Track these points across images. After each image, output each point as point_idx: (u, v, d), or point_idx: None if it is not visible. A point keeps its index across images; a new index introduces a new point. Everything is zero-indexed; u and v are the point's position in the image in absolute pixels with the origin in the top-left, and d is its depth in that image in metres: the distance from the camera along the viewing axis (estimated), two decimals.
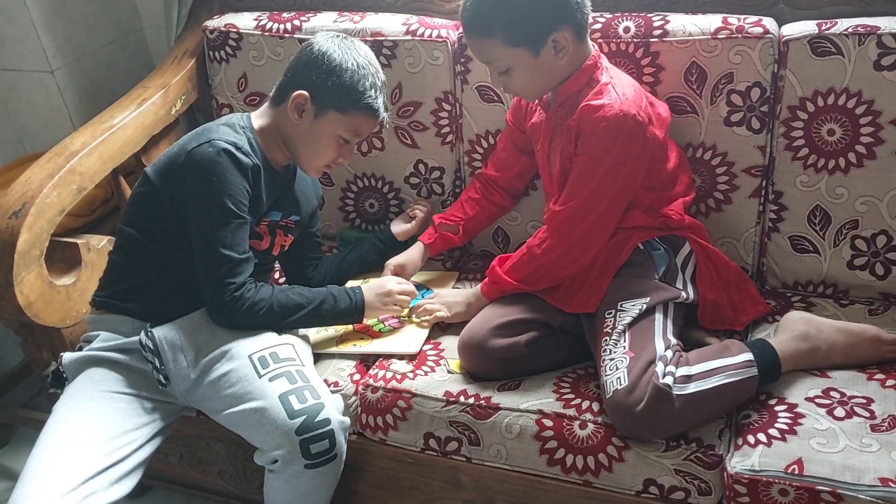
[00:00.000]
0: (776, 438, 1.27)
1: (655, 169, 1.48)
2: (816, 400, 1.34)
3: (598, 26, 1.63)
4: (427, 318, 1.60)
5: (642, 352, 1.33)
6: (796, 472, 1.22)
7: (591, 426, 1.34)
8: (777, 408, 1.34)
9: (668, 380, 1.28)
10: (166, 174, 1.43)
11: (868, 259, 1.57)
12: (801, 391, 1.36)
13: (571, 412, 1.36)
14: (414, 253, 1.75)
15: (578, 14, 1.41)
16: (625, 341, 1.36)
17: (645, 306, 1.40)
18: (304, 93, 1.45)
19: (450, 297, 1.62)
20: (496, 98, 1.74)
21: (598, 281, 1.47)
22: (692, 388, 1.29)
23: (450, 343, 1.56)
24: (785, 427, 1.29)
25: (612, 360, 1.34)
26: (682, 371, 1.30)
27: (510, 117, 1.70)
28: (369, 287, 1.57)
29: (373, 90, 1.46)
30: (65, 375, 1.44)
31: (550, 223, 1.47)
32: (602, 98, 1.40)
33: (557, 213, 1.46)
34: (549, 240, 1.47)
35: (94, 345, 1.45)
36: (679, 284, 1.47)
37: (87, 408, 1.35)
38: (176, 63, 1.94)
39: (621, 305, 1.41)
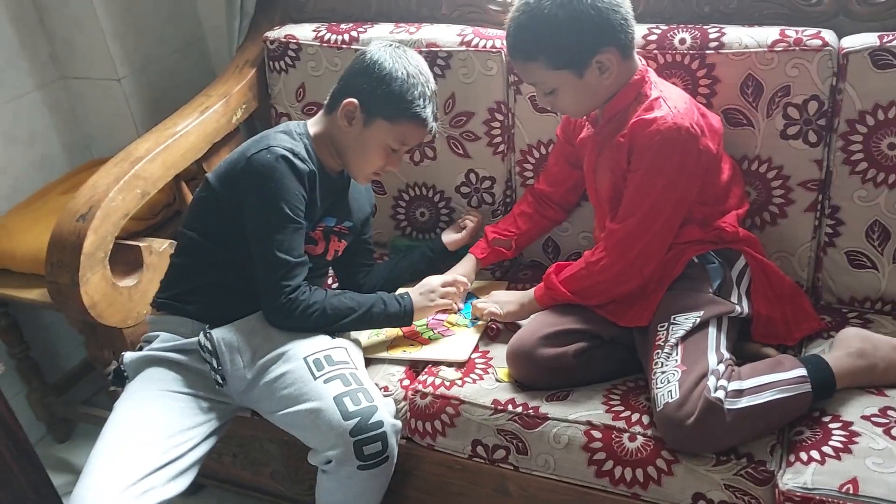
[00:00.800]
0: (830, 457, 1.25)
1: (709, 182, 1.47)
2: (873, 419, 1.31)
3: (653, 38, 1.62)
4: (480, 316, 1.61)
5: (695, 366, 1.32)
6: (850, 491, 1.19)
7: (640, 439, 1.34)
8: (831, 425, 1.31)
9: (720, 394, 1.27)
10: (226, 179, 1.47)
11: None
12: (857, 409, 1.34)
13: (621, 424, 1.36)
14: (465, 266, 1.76)
15: (622, 35, 1.40)
16: (677, 355, 1.35)
17: (699, 320, 1.38)
18: (354, 100, 1.48)
19: (503, 296, 1.63)
20: (549, 109, 1.75)
21: (652, 295, 1.47)
22: (744, 402, 1.28)
23: (498, 352, 1.57)
24: (839, 445, 1.27)
25: (663, 373, 1.33)
26: (734, 385, 1.29)
27: (560, 132, 1.70)
28: (414, 290, 1.59)
29: (422, 100, 1.48)
30: (125, 374, 1.49)
31: (608, 241, 1.46)
32: (654, 112, 1.40)
33: (615, 231, 1.45)
34: (606, 258, 1.46)
35: (154, 345, 1.49)
36: (734, 298, 1.45)
37: (146, 406, 1.40)
38: (237, 72, 1.99)
39: (674, 319, 1.40)
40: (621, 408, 1.40)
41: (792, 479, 1.24)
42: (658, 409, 1.31)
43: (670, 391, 1.30)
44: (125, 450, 1.32)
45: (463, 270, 1.74)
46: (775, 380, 1.31)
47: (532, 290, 1.58)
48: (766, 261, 1.52)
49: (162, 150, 1.75)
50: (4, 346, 2.02)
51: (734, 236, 1.49)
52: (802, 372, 1.32)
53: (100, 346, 1.75)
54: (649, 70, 1.48)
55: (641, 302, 1.47)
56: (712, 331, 1.39)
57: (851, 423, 1.31)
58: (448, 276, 1.65)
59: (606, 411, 1.39)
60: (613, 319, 1.49)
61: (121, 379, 1.51)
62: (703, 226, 1.48)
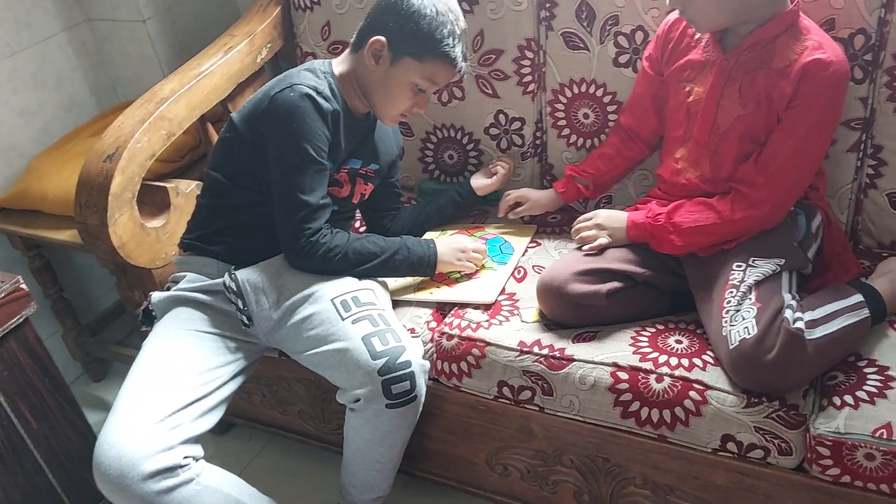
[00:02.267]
0: (864, 401, 1.23)
1: None
2: None
3: None
4: (588, 245, 1.52)
5: (770, 302, 1.29)
6: (884, 436, 1.17)
7: (667, 380, 1.32)
8: (867, 370, 1.29)
9: (800, 324, 1.25)
10: (250, 119, 1.45)
11: None
12: (894, 354, 1.30)
13: (648, 366, 1.34)
14: (545, 194, 1.74)
15: None
16: (752, 295, 1.31)
17: (779, 268, 1.35)
18: (381, 38, 1.44)
19: (606, 220, 1.54)
20: (582, 45, 1.69)
21: None
22: (819, 332, 1.26)
23: (525, 293, 1.56)
24: (874, 390, 1.24)
25: (737, 311, 1.30)
26: (807, 316, 1.28)
27: (648, 61, 1.59)
28: (444, 241, 1.58)
29: (451, 38, 1.44)
30: (154, 314, 1.51)
31: (760, 175, 1.38)
32: (826, 53, 1.33)
33: (767, 165, 1.38)
34: (753, 196, 1.39)
35: (181, 285, 1.50)
36: (811, 255, 1.43)
37: (174, 345, 1.41)
38: (261, 11, 1.96)
39: (753, 262, 1.36)
40: (649, 349, 1.37)
41: (824, 423, 1.22)
42: (732, 346, 1.27)
43: (747, 327, 1.26)
44: (153, 387, 1.33)
45: (537, 196, 1.73)
46: (840, 307, 1.30)
47: (626, 219, 1.51)
48: (833, 219, 1.51)
49: (186, 90, 1.73)
50: (39, 287, 2.05)
51: (822, 194, 1.49)
52: (859, 297, 1.32)
53: (130, 286, 1.76)
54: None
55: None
56: (786, 276, 1.36)
57: (887, 368, 1.28)
58: (478, 243, 1.63)
59: (634, 353, 1.37)
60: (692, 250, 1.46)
61: (149, 319, 1.52)
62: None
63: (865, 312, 1.30)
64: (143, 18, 2.03)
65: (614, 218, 1.54)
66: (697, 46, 1.48)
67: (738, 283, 1.34)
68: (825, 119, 1.37)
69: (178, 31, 2.11)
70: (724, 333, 1.30)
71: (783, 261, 1.36)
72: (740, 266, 1.36)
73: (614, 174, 1.72)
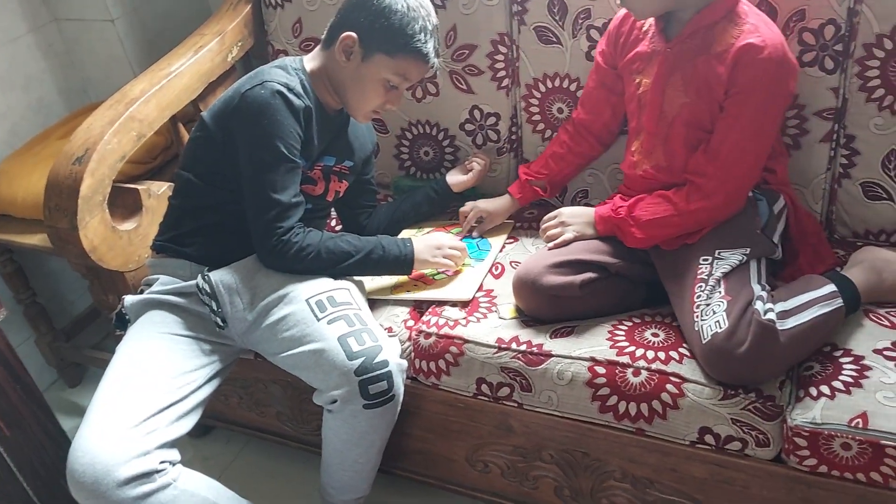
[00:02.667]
0: (840, 391, 1.23)
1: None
2: (885, 352, 1.28)
3: None
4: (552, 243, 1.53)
5: (739, 294, 1.29)
6: (860, 425, 1.17)
7: (644, 373, 1.32)
8: (842, 360, 1.29)
9: (771, 315, 1.25)
10: (221, 117, 1.44)
11: None
12: (869, 343, 1.31)
13: (625, 359, 1.34)
14: (502, 203, 1.74)
15: None
16: (721, 288, 1.32)
17: (745, 257, 1.35)
18: (352, 34, 1.43)
19: (570, 215, 1.55)
20: (555, 39, 1.69)
21: None
22: (791, 322, 1.26)
23: (502, 290, 1.55)
24: (850, 380, 1.24)
25: (707, 305, 1.30)
26: (778, 307, 1.28)
27: (601, 56, 1.59)
28: (421, 239, 1.57)
29: (422, 34, 1.43)
30: (127, 317, 1.49)
31: (698, 179, 1.40)
32: (758, 38, 1.32)
33: (713, 169, 1.38)
34: (696, 196, 1.40)
35: (154, 288, 1.48)
36: (776, 239, 1.43)
37: (147, 348, 1.39)
38: (231, 9, 1.94)
39: (720, 253, 1.37)
40: (626, 343, 1.37)
41: (801, 414, 1.22)
42: (705, 341, 1.27)
43: (718, 321, 1.26)
44: (127, 391, 1.31)
45: (494, 206, 1.73)
46: (812, 297, 1.30)
47: (594, 214, 1.52)
48: (799, 203, 1.50)
49: (156, 91, 1.71)
50: (11, 293, 2.02)
51: (782, 178, 1.48)
52: (832, 287, 1.32)
53: (104, 290, 1.74)
54: None
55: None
56: (753, 265, 1.36)
57: (863, 357, 1.28)
58: (457, 241, 1.62)
59: (611, 347, 1.37)
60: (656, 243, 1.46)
61: (123, 322, 1.50)
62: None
63: (839, 302, 1.30)
64: (111, 18, 2.00)
65: (578, 213, 1.55)
66: (645, 38, 1.49)
67: (706, 277, 1.34)
68: (767, 104, 1.36)
69: (147, 31, 2.08)
70: (696, 328, 1.30)
71: (748, 249, 1.36)
72: (707, 259, 1.37)
73: (567, 172, 1.72)
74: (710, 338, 1.26)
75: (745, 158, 1.38)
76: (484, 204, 1.74)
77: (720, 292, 1.31)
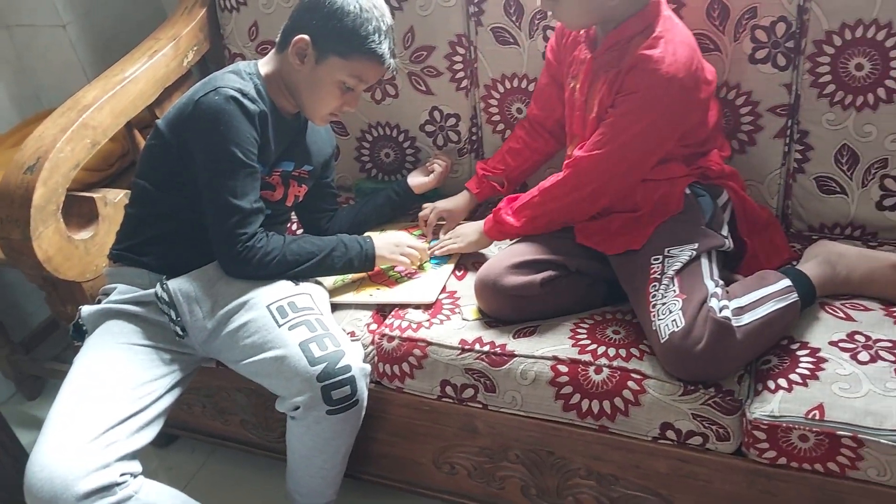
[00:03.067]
0: (797, 384, 1.25)
1: (695, 130, 1.45)
2: (840, 344, 1.30)
3: None
4: (441, 251, 1.61)
5: (693, 293, 1.30)
6: (817, 417, 1.19)
7: (606, 371, 1.33)
8: (799, 353, 1.31)
9: (727, 313, 1.26)
10: (176, 125, 1.42)
11: None
12: (825, 335, 1.33)
13: (587, 357, 1.34)
14: (461, 200, 1.74)
15: None
16: (675, 286, 1.33)
17: (694, 253, 1.36)
18: (305, 37, 1.42)
19: (463, 228, 1.63)
20: (512, 40, 1.69)
21: (648, 224, 1.43)
22: (746, 318, 1.28)
23: (465, 291, 1.55)
24: (806, 372, 1.26)
25: (663, 304, 1.31)
26: (734, 304, 1.29)
27: (550, 52, 1.61)
28: (381, 236, 1.56)
29: (376, 35, 1.42)
30: (84, 328, 1.46)
31: (572, 168, 1.43)
32: (656, 50, 1.33)
33: (580, 160, 1.41)
34: (565, 185, 1.44)
35: (112, 297, 1.46)
36: (724, 232, 1.44)
37: (106, 359, 1.37)
38: (186, 13, 1.91)
39: (669, 251, 1.38)
40: (588, 341, 1.38)
41: (759, 407, 1.24)
42: (663, 341, 1.28)
43: (674, 320, 1.28)
44: (85, 403, 1.29)
45: (454, 204, 1.73)
46: (767, 293, 1.32)
47: (482, 223, 1.57)
48: (746, 196, 1.51)
49: (110, 97, 1.68)
50: None
51: (720, 173, 1.48)
52: (787, 282, 1.33)
53: (61, 301, 1.71)
54: (665, 4, 1.40)
55: (635, 230, 1.44)
56: (705, 261, 1.37)
57: (819, 350, 1.30)
58: (417, 241, 1.62)
59: (573, 345, 1.38)
60: (602, 250, 1.46)
61: (80, 333, 1.47)
62: (687, 163, 1.47)
63: (794, 297, 1.32)
64: (62, 23, 1.96)
65: (467, 225, 1.63)
66: (582, 44, 1.52)
67: (659, 276, 1.35)
68: (650, 116, 1.35)
69: (100, 35, 2.05)
70: (654, 328, 1.31)
71: (696, 244, 1.37)
72: (657, 258, 1.38)
73: (524, 168, 1.73)
74: (667, 337, 1.27)
75: (620, 160, 1.39)
76: (443, 204, 1.74)
77: (674, 290, 1.32)
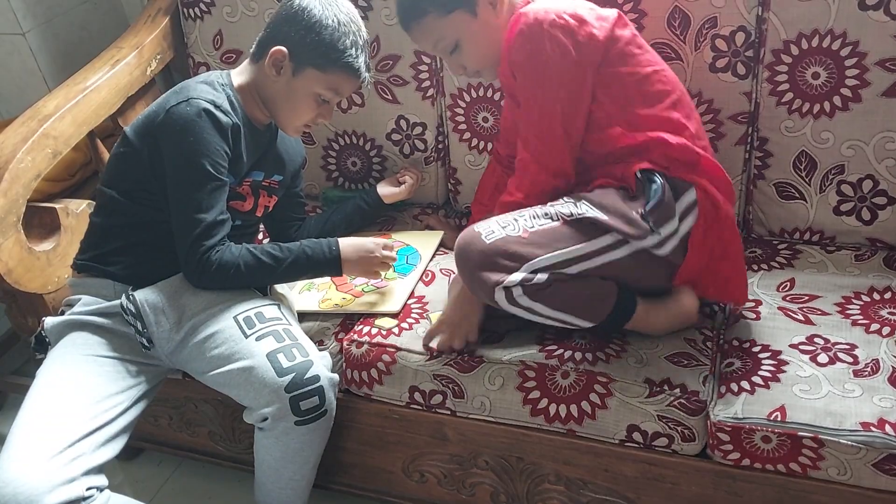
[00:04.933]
0: (759, 386, 1.27)
1: (622, 74, 1.35)
2: (800, 347, 1.34)
3: None
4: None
5: (531, 247, 1.27)
6: (779, 418, 1.22)
7: (572, 375, 1.34)
8: (761, 355, 1.34)
9: (500, 295, 1.27)
10: (145, 133, 1.40)
11: (854, 204, 1.56)
12: (786, 338, 1.36)
13: (553, 362, 1.36)
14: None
15: None
16: (542, 223, 1.30)
17: (601, 220, 1.28)
18: (283, 49, 1.41)
19: (445, 317, 1.44)
20: (464, 74, 1.68)
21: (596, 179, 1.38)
22: (523, 311, 1.29)
23: (434, 296, 1.56)
24: (768, 374, 1.29)
25: (515, 220, 1.30)
26: (528, 304, 1.28)
27: (503, 86, 1.58)
28: (349, 242, 1.50)
29: (353, 49, 1.43)
30: (48, 340, 1.43)
31: (518, 166, 1.39)
32: (521, 21, 1.33)
33: (524, 159, 1.38)
34: (522, 182, 1.38)
35: (76, 309, 1.44)
36: (666, 230, 1.30)
37: (70, 372, 1.35)
38: (150, 22, 1.90)
39: (581, 198, 1.33)
40: (554, 346, 1.39)
41: (723, 409, 1.26)
42: (481, 234, 1.28)
43: (493, 231, 1.28)
44: (50, 417, 1.27)
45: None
46: (570, 321, 1.31)
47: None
48: (725, 207, 1.33)
49: (72, 106, 1.66)
50: None
51: (683, 154, 1.32)
52: (590, 325, 1.33)
53: (22, 313, 1.68)
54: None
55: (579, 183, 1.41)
56: (611, 253, 1.30)
57: (780, 353, 1.33)
58: (390, 252, 1.54)
59: (539, 350, 1.39)
60: None
61: (43, 345, 1.45)
62: (631, 127, 1.35)
63: (587, 324, 1.32)
64: (22, 31, 1.93)
65: (446, 310, 1.47)
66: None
67: (548, 208, 1.32)
68: (537, 73, 1.32)
69: (61, 44, 2.02)
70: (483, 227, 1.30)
71: (607, 218, 1.29)
72: (570, 198, 1.34)
73: None
74: (480, 234, 1.29)
75: (548, 131, 1.34)
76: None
77: (537, 224, 1.29)
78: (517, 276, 1.26)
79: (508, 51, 1.37)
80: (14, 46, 1.96)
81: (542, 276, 1.27)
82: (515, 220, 1.31)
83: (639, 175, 1.32)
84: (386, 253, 1.52)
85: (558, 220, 1.31)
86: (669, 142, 1.32)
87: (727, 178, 1.36)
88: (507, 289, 1.27)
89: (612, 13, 1.38)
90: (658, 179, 1.31)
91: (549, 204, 1.34)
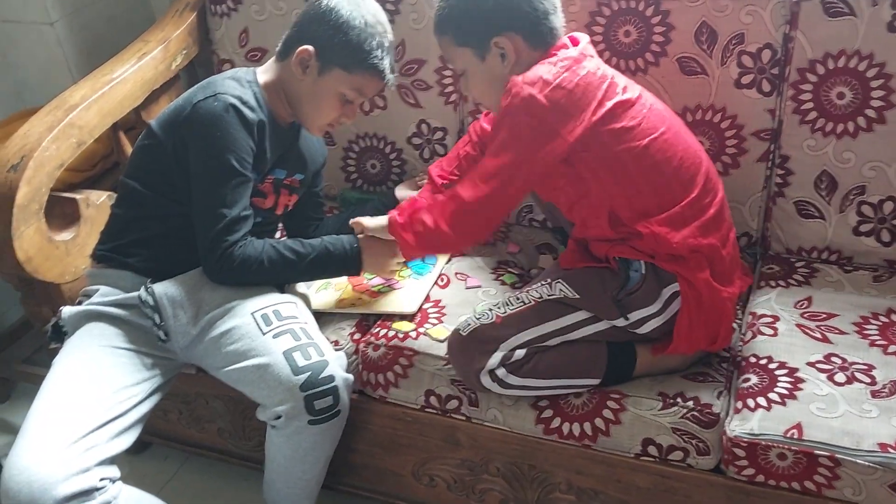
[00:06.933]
0: (776, 403, 1.27)
1: (616, 154, 1.28)
2: (818, 365, 1.33)
3: None
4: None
5: (509, 329, 1.33)
6: (795, 436, 1.22)
7: (585, 394, 1.35)
8: (777, 372, 1.33)
9: (486, 381, 1.34)
10: (170, 126, 1.41)
11: (874, 225, 1.56)
12: (803, 356, 1.36)
13: None
14: None
15: (529, 22, 1.31)
16: (511, 307, 1.35)
17: (562, 295, 1.33)
18: (309, 48, 1.42)
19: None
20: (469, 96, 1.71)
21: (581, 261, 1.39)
22: (512, 389, 1.36)
23: (449, 300, 1.56)
24: (785, 391, 1.29)
25: (489, 307, 1.37)
26: (531, 383, 1.34)
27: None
28: (369, 240, 1.46)
29: (379, 50, 1.43)
30: (64, 330, 1.44)
31: (444, 205, 1.33)
32: (514, 85, 1.27)
33: (452, 199, 1.32)
34: (443, 225, 1.32)
35: (94, 299, 1.44)
36: (636, 315, 1.32)
37: (86, 362, 1.35)
38: (177, 17, 1.91)
39: (555, 281, 1.35)
40: None
41: (739, 425, 1.26)
42: (459, 330, 1.37)
43: (468, 324, 1.36)
44: (65, 407, 1.27)
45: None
46: (570, 383, 1.35)
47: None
48: (713, 297, 1.30)
49: (98, 97, 1.66)
50: None
51: (675, 250, 1.28)
52: (597, 381, 1.35)
53: (38, 302, 1.68)
54: (575, 53, 1.31)
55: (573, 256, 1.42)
56: (588, 327, 1.34)
57: (797, 370, 1.33)
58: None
59: None
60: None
61: (59, 335, 1.45)
62: (613, 224, 1.32)
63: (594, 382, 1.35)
64: (50, 21, 1.94)
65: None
66: None
67: (527, 290, 1.38)
68: (500, 135, 1.29)
69: (88, 35, 2.03)
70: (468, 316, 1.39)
71: (578, 297, 1.33)
72: (546, 282, 1.37)
73: None
74: (461, 328, 1.37)
75: (476, 187, 1.29)
76: (371, 222, 1.47)
77: (506, 307, 1.36)
78: (496, 358, 1.33)
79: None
80: (42, 36, 1.97)
81: (520, 353, 1.33)
82: (490, 309, 1.37)
83: (616, 259, 1.33)
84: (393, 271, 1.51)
85: (530, 301, 1.36)
86: (669, 240, 1.28)
87: (728, 257, 1.34)
88: (491, 371, 1.33)
89: (604, 82, 1.29)
90: (640, 268, 1.32)
91: (524, 289, 1.39)
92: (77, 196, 1.66)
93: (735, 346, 1.44)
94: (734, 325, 1.46)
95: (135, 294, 1.41)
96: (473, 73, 1.38)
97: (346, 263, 1.47)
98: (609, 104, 1.28)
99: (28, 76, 2.06)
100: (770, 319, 1.46)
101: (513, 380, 1.33)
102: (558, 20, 1.35)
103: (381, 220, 1.42)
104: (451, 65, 1.45)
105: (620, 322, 1.33)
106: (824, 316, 1.45)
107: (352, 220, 1.49)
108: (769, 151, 1.59)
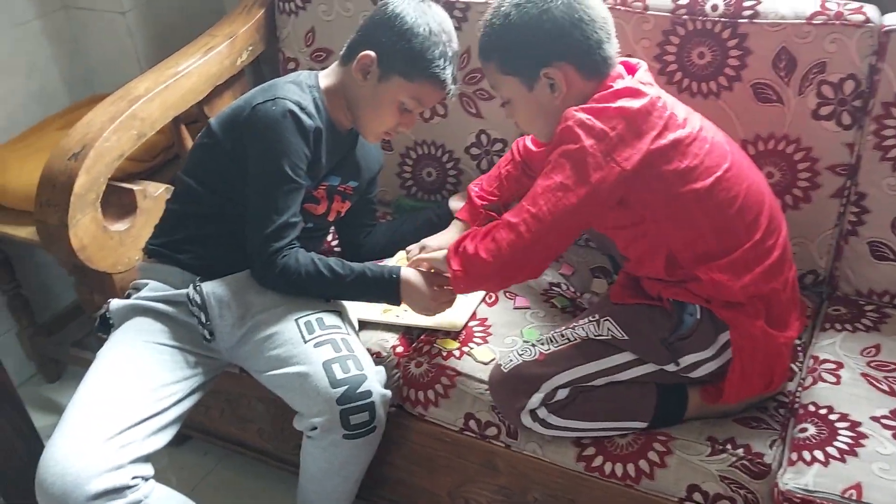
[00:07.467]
0: (835, 458, 1.20)
1: (679, 196, 1.22)
2: (883, 420, 1.25)
3: (683, 1, 1.53)
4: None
5: (551, 367, 1.29)
6: (854, 497, 1.14)
7: (630, 435, 1.30)
8: (838, 424, 1.26)
9: (527, 419, 1.31)
10: (229, 127, 1.41)
11: None
12: (867, 409, 1.28)
13: None
14: (453, 234, 1.57)
15: (582, 53, 1.24)
16: (555, 344, 1.31)
17: (610, 335, 1.28)
18: (372, 53, 1.40)
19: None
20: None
21: (632, 297, 1.33)
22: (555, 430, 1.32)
23: (496, 319, 1.52)
24: (845, 447, 1.21)
25: (533, 343, 1.34)
26: (574, 424, 1.30)
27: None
28: (411, 275, 1.41)
29: (442, 59, 1.40)
30: (111, 321, 1.45)
31: (494, 240, 1.27)
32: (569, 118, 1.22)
33: (505, 238, 1.26)
34: (487, 259, 1.27)
35: (143, 293, 1.44)
36: (687, 360, 1.27)
37: (130, 356, 1.36)
38: (245, 12, 1.91)
39: (604, 319, 1.30)
40: None
41: (793, 479, 1.19)
42: (501, 365, 1.34)
43: (511, 360, 1.33)
44: (106, 401, 1.28)
45: (446, 239, 1.54)
46: (615, 426, 1.31)
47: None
48: (761, 337, 1.25)
49: (161, 89, 1.67)
50: None
51: (729, 295, 1.23)
52: (645, 424, 1.30)
53: (90, 289, 1.70)
54: (635, 84, 1.25)
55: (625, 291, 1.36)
56: (635, 369, 1.29)
57: (859, 424, 1.25)
58: (449, 296, 1.43)
59: None
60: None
61: (106, 326, 1.46)
62: (670, 267, 1.26)
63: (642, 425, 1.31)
64: (122, 10, 1.97)
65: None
66: None
67: (572, 326, 1.33)
68: (553, 172, 1.21)
69: (158, 26, 2.05)
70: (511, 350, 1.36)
71: (627, 338, 1.27)
72: (594, 317, 1.32)
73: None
74: (503, 366, 1.34)
75: (523, 222, 1.23)
76: (432, 241, 1.53)
77: (553, 346, 1.32)
78: (537, 398, 1.28)
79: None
80: (113, 24, 2.00)
81: (562, 392, 1.28)
82: (533, 345, 1.34)
83: (670, 300, 1.27)
84: (444, 298, 1.43)
85: (576, 339, 1.31)
86: (730, 287, 1.22)
87: (787, 300, 1.28)
88: (532, 411, 1.29)
89: (665, 112, 1.23)
90: (695, 312, 1.26)
91: (570, 324, 1.35)
92: (135, 187, 1.67)
93: (794, 391, 1.36)
94: (793, 367, 1.39)
95: (183, 291, 1.41)
96: (519, 103, 1.33)
97: (384, 291, 1.42)
98: (670, 136, 1.22)
99: (97, 64, 2.10)
100: (833, 366, 1.38)
101: (555, 420, 1.30)
102: (612, 48, 1.28)
103: (443, 253, 1.36)
104: (496, 92, 1.39)
105: (671, 367, 1.28)
106: (893, 366, 1.37)
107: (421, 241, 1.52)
108: (845, 187, 1.51)
